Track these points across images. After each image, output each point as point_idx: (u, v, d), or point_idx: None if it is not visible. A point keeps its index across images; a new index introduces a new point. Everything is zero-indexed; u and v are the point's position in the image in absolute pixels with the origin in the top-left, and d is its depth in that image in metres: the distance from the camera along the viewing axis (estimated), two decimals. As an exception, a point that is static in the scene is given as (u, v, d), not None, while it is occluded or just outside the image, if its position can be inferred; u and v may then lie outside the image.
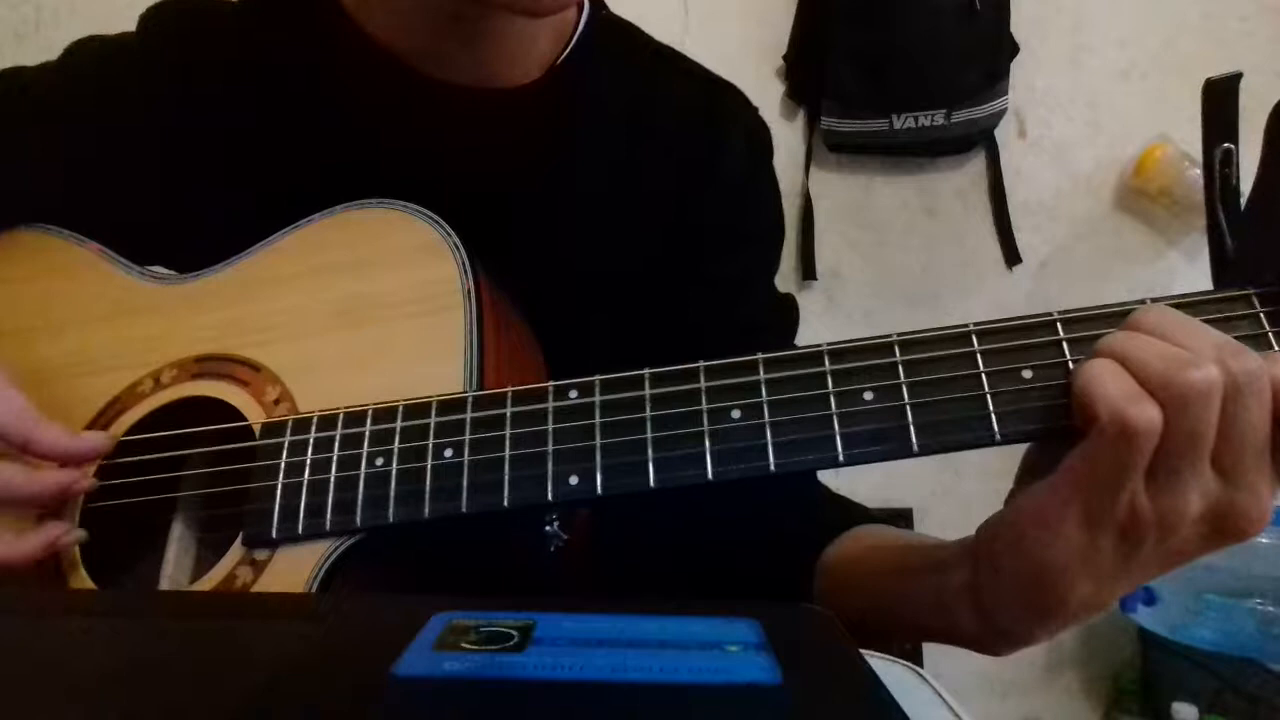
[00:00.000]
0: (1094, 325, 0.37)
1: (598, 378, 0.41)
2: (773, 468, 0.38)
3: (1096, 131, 1.56)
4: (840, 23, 1.47)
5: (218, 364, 0.49)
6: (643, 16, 0.63)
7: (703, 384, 0.40)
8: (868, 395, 0.38)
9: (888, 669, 0.63)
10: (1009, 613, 0.39)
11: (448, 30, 0.54)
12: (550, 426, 0.41)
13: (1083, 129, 1.57)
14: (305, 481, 0.43)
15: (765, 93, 1.55)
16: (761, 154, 0.65)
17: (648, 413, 0.40)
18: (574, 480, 0.40)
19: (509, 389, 0.42)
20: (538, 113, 0.57)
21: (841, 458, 0.38)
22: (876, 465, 0.38)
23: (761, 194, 0.64)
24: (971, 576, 0.41)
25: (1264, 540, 1.17)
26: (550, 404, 0.41)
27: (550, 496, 0.40)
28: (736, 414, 0.39)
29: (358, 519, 0.42)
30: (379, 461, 0.42)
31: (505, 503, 0.40)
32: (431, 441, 0.42)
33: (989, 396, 0.37)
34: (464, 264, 0.47)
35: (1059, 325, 0.37)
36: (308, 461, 0.43)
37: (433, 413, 0.43)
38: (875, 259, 1.59)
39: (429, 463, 0.42)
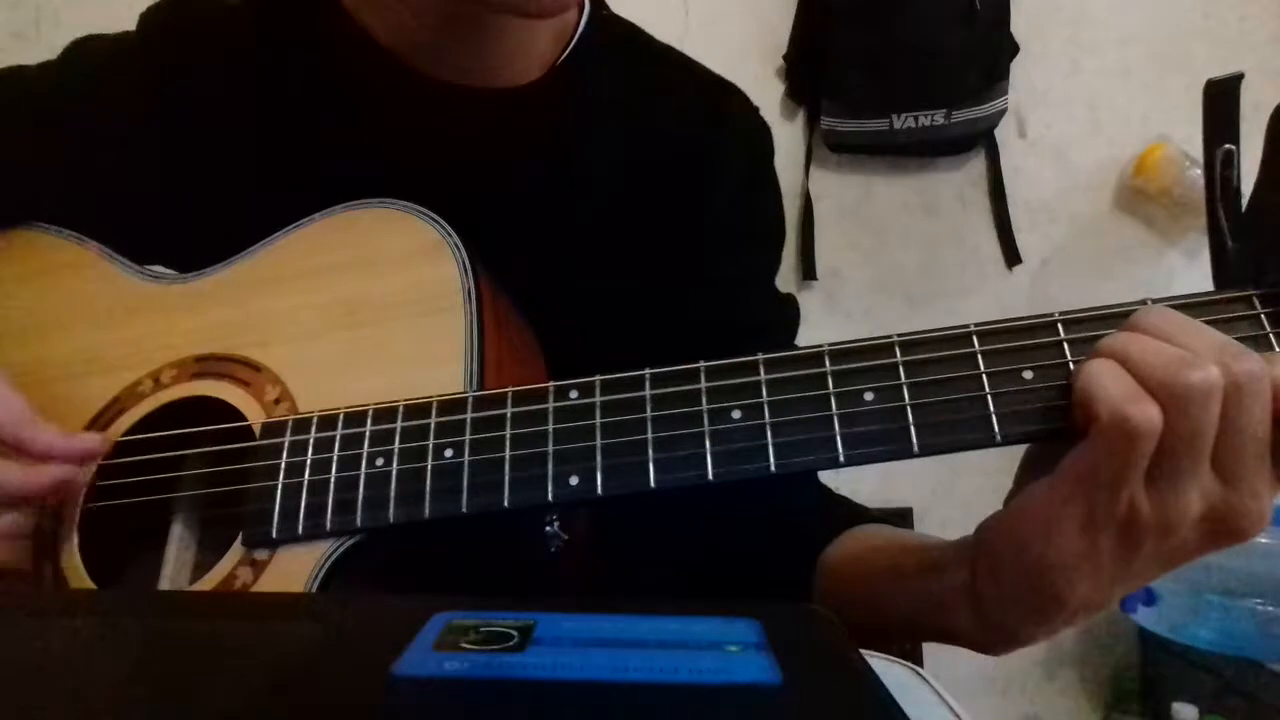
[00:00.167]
0: (1095, 326, 0.37)
1: (598, 378, 0.41)
2: (773, 468, 0.38)
3: (1096, 131, 1.56)
4: (840, 23, 1.47)
5: (217, 364, 0.49)
6: (643, 16, 0.63)
7: (703, 384, 0.40)
8: (868, 396, 0.38)
9: (888, 669, 0.64)
10: (1008, 613, 0.39)
11: (448, 30, 0.54)
12: (551, 427, 0.41)
13: (1083, 129, 1.57)
14: (305, 482, 0.43)
15: (765, 93, 1.55)
16: (762, 155, 0.65)
17: (648, 413, 0.40)
18: (574, 481, 0.40)
19: (509, 389, 0.42)
20: (538, 112, 0.57)
21: (842, 458, 0.38)
22: (876, 465, 0.38)
23: (762, 194, 0.64)
24: (970, 576, 0.41)
25: (1264, 540, 1.17)
26: (550, 404, 0.41)
27: (550, 497, 0.40)
28: (737, 414, 0.39)
29: (358, 519, 0.42)
30: (379, 462, 0.42)
31: (505, 503, 0.40)
32: (432, 442, 0.42)
33: (990, 397, 0.37)
34: (464, 264, 0.47)
35: (1060, 326, 0.37)
36: (308, 462, 0.43)
37: (433, 413, 0.43)
38: (875, 259, 1.59)
39: (429, 463, 0.42)
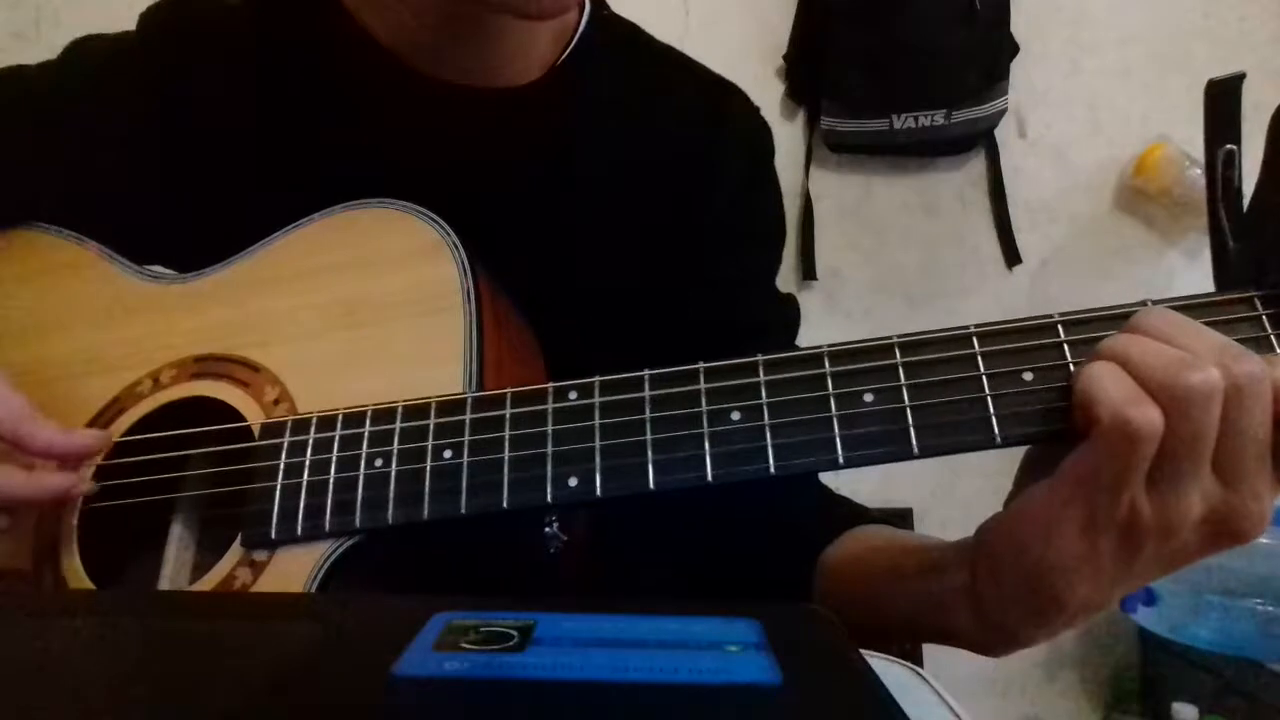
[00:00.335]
0: (1095, 327, 0.37)
1: (597, 379, 0.41)
2: (773, 470, 0.38)
3: (1096, 131, 1.56)
4: (840, 23, 1.47)
5: (217, 364, 0.49)
6: (643, 16, 0.63)
7: (703, 385, 0.40)
8: (868, 397, 0.38)
9: (888, 669, 0.63)
10: (1008, 614, 0.39)
11: (448, 30, 0.54)
12: (550, 428, 0.41)
13: (1083, 129, 1.57)
14: (304, 482, 0.43)
15: (765, 93, 1.55)
16: (762, 154, 0.65)
17: (647, 414, 0.40)
18: (573, 482, 0.40)
19: (508, 390, 0.42)
20: (538, 112, 0.57)
21: (842, 460, 0.38)
22: (876, 466, 0.38)
23: (762, 194, 0.64)
24: (970, 578, 0.41)
25: (1264, 541, 1.16)
26: (550, 405, 0.41)
27: (550, 498, 0.40)
28: (736, 416, 0.39)
29: (357, 520, 0.42)
30: (378, 462, 0.42)
31: (504, 504, 0.40)
32: (431, 443, 0.42)
33: (990, 399, 0.37)
34: (464, 264, 0.47)
35: (1060, 327, 0.37)
36: (307, 462, 0.43)
37: (432, 414, 0.43)
38: (875, 259, 1.59)
39: (428, 464, 0.42)
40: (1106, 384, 0.34)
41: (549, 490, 0.40)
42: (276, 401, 0.46)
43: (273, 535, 0.43)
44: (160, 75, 0.57)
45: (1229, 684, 1.30)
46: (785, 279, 0.97)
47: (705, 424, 0.39)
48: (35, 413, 0.45)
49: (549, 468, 0.40)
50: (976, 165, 1.57)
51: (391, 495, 0.42)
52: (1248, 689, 1.28)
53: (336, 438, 0.44)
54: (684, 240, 0.59)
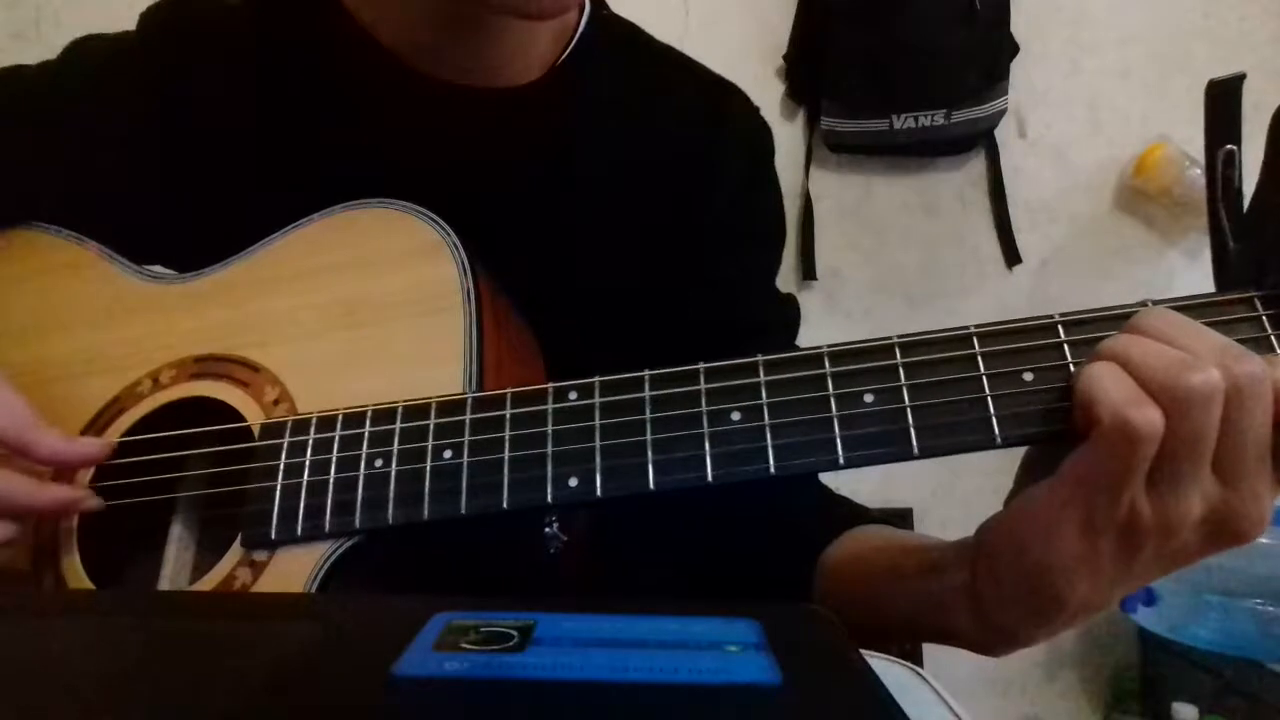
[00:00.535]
0: (1095, 328, 0.37)
1: (597, 379, 0.41)
2: (773, 470, 0.38)
3: (1096, 131, 1.57)
4: (840, 23, 1.48)
5: (216, 364, 0.49)
6: (643, 16, 0.63)
7: (703, 386, 0.40)
8: (868, 397, 0.38)
9: (888, 669, 0.64)
10: (1008, 614, 0.39)
11: (448, 30, 0.54)
12: (550, 428, 0.41)
13: (1083, 129, 1.57)
14: (304, 483, 0.43)
15: (765, 93, 1.55)
16: (762, 154, 0.65)
17: (647, 414, 0.40)
18: (573, 482, 0.40)
19: (508, 390, 0.42)
20: (538, 112, 0.57)
21: (842, 460, 0.38)
22: (876, 466, 0.38)
23: (762, 194, 0.64)
24: (970, 577, 0.41)
25: (1264, 541, 1.16)
26: (550, 405, 0.41)
27: (550, 498, 0.40)
28: (736, 416, 0.39)
29: (356, 520, 0.42)
30: (378, 463, 0.42)
31: (505, 504, 0.40)
32: (431, 443, 0.42)
33: (990, 399, 0.37)
34: (463, 264, 0.47)
35: (1060, 328, 0.37)
36: (307, 463, 0.43)
37: (432, 414, 0.43)
38: (875, 259, 1.59)
39: (428, 464, 0.42)
40: (1107, 384, 0.34)
41: (549, 490, 0.40)
42: (276, 402, 0.46)
43: (273, 535, 0.43)
44: (160, 75, 0.57)
45: (1229, 684, 1.30)
46: (785, 279, 0.97)
47: (705, 424, 0.39)
48: (39, 419, 0.45)
49: (549, 468, 0.40)
50: (976, 165, 1.58)
51: (391, 495, 0.42)
52: (1248, 689, 1.28)
53: (336, 438, 0.43)
54: (684, 240, 0.59)
